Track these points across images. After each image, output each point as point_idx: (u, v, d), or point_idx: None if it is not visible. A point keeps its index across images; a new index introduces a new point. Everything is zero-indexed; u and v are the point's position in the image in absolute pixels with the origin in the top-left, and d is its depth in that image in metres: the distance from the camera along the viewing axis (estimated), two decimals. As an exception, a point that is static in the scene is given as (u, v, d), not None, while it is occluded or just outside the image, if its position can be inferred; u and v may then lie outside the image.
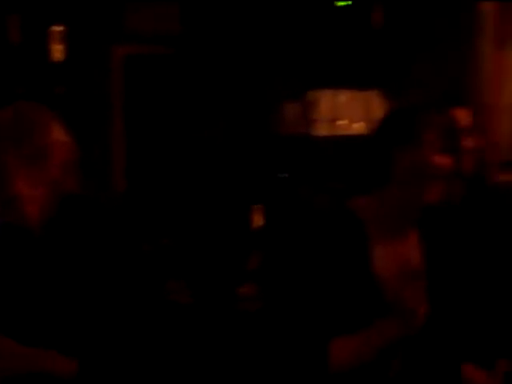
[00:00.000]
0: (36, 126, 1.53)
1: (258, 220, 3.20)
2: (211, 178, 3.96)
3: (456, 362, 1.76)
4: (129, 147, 3.91)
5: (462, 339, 1.77)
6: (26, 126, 1.52)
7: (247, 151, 4.01)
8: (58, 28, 3.54)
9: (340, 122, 3.83)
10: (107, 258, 1.76)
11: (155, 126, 4.06)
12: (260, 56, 3.99)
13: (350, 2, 3.77)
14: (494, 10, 3.71)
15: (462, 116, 2.23)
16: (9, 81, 3.11)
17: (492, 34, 3.72)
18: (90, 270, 1.64)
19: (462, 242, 1.83)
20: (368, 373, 1.65)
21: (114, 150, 3.83)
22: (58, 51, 3.55)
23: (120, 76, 3.86)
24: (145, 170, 4.07)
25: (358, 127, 3.55)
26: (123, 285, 1.91)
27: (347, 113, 3.84)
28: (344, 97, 3.84)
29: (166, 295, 2.88)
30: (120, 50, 3.83)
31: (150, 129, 4.06)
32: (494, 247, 2.01)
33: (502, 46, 3.70)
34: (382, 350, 1.60)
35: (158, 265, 3.19)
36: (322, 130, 3.89)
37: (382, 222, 1.60)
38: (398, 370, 1.66)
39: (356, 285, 1.56)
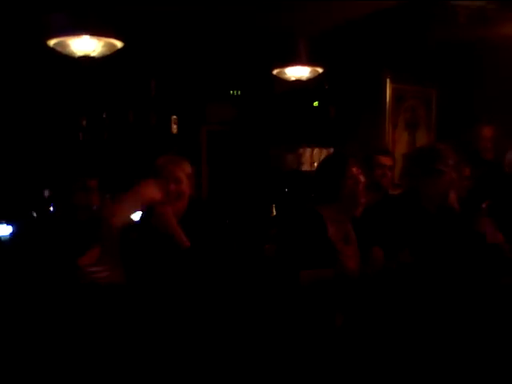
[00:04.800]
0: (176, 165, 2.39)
1: (273, 211, 5.13)
2: (253, 192, 5.37)
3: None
4: (210, 177, 5.46)
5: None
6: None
7: (272, 179, 5.48)
8: (174, 116, 5.26)
9: (314, 164, 5.18)
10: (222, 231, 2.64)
11: (220, 167, 5.57)
12: (275, 134, 5.57)
13: (317, 104, 5.50)
14: (390, 106, 5.32)
15: (386, 159, 3.45)
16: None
17: (390, 120, 5.34)
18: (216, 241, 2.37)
19: (375, 226, 2.53)
20: (316, 322, 2.17)
21: (203, 178, 5.35)
22: (174, 129, 5.28)
23: (205, 142, 5.49)
24: (215, 189, 5.48)
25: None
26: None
27: (318, 159, 5.17)
28: (316, 151, 5.38)
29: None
30: (204, 128, 5.45)
31: (218, 169, 5.56)
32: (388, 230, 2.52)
33: (394, 126, 5.37)
34: (328, 304, 2.15)
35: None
36: (305, 167, 5.34)
37: (335, 217, 2.35)
38: (341, 321, 2.22)
39: (318, 245, 2.26)
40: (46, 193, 4.47)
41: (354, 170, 2.36)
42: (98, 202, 2.59)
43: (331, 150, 5.26)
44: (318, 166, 2.61)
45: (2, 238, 4.00)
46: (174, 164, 2.41)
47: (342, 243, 2.32)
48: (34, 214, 4.37)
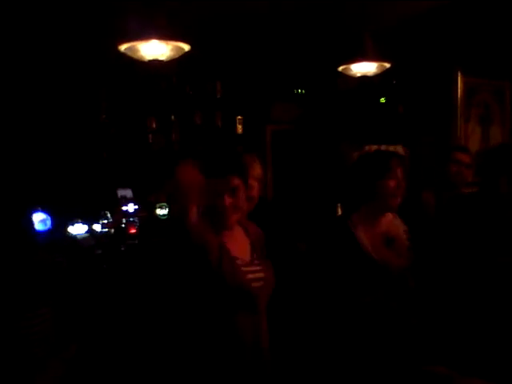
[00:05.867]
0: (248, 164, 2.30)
1: (339, 211, 4.99)
2: (319, 192, 5.17)
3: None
4: (275, 176, 5.50)
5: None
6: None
7: (337, 178, 5.11)
8: (239, 117, 5.43)
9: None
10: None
11: (285, 167, 5.66)
12: (341, 132, 5.44)
13: (384, 100, 5.43)
14: (461, 100, 5.13)
15: (463, 156, 3.36)
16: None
17: (461, 115, 5.17)
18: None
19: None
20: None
21: (268, 178, 5.32)
22: (240, 129, 5.42)
23: (270, 141, 5.62)
24: (280, 189, 5.58)
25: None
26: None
27: (385, 157, 5.35)
28: (384, 149, 4.44)
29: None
30: (269, 128, 5.58)
31: (283, 168, 5.65)
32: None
33: (467, 120, 5.19)
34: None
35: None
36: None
37: (367, 218, 2.29)
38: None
39: (356, 263, 2.20)
40: (120, 193, 4.65)
41: (399, 171, 2.25)
42: None
43: (399, 147, 5.07)
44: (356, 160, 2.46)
45: (79, 237, 4.19)
46: None
47: (381, 247, 2.24)
48: (108, 214, 4.59)
